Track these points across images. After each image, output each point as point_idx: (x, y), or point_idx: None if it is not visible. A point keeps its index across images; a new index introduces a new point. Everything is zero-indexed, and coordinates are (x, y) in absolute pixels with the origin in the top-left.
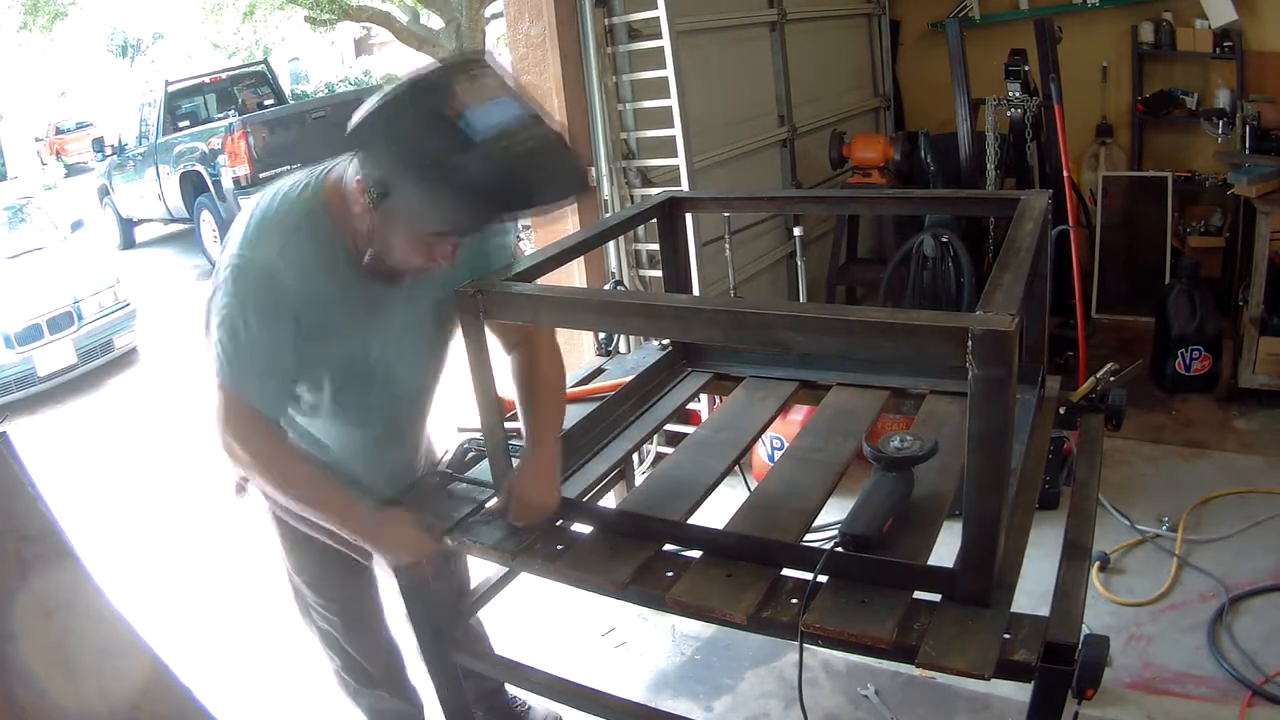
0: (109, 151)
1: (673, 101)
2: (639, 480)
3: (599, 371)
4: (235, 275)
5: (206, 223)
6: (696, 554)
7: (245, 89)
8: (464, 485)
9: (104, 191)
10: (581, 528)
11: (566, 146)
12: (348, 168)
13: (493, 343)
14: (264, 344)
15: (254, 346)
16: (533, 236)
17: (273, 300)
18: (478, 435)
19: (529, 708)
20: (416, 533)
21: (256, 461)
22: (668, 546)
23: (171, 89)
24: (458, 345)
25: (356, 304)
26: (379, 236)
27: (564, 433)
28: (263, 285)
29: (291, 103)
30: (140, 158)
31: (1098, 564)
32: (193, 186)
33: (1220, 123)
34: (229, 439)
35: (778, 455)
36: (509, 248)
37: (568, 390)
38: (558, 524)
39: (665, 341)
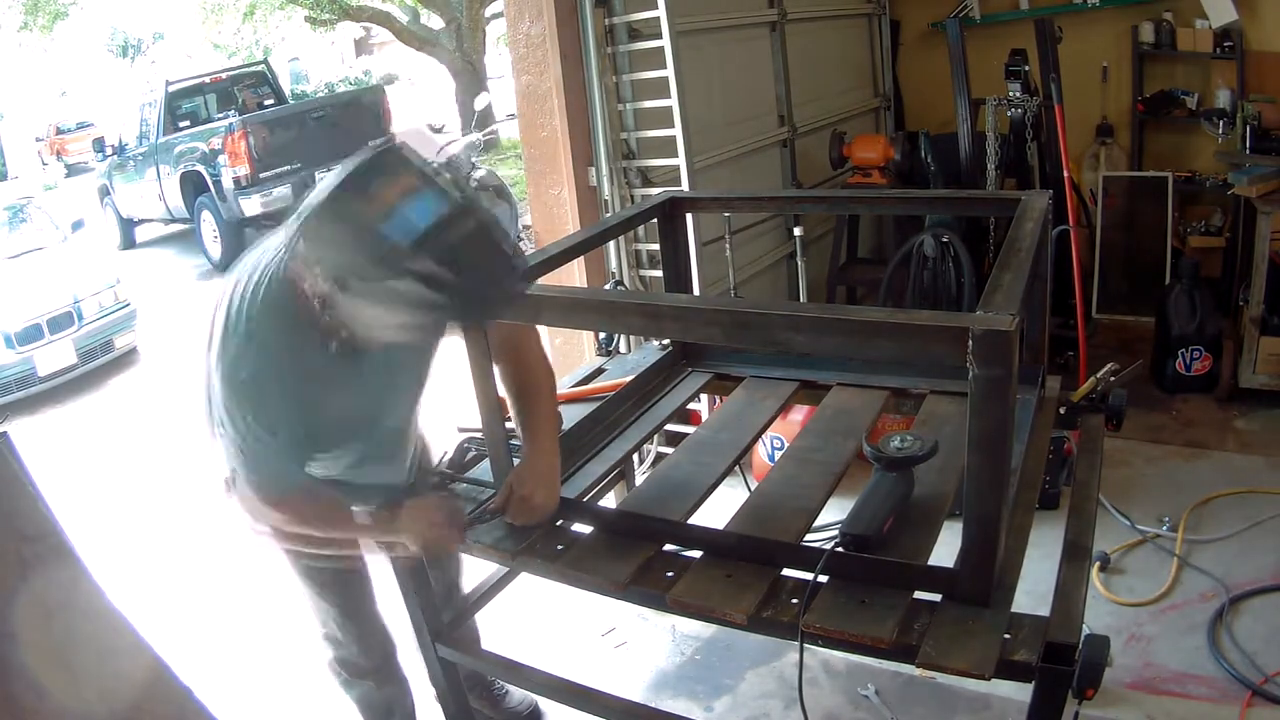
0: (109, 151)
1: (673, 101)
2: (639, 480)
3: (599, 371)
4: (229, 388)
5: (207, 223)
6: (697, 554)
7: (245, 89)
8: (464, 485)
9: (104, 191)
10: (581, 528)
11: (490, 230)
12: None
13: None
14: (274, 434)
15: (266, 440)
16: (533, 237)
17: (268, 395)
18: (478, 434)
19: (506, 691)
20: (439, 510)
21: (289, 525)
22: (668, 546)
23: (172, 89)
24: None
25: (336, 374)
26: (336, 327)
27: (564, 433)
28: (258, 389)
29: (291, 103)
30: (140, 158)
31: (1098, 564)
32: (193, 186)
33: (1220, 123)
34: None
35: (778, 455)
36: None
37: (568, 390)
38: (558, 524)
39: (665, 341)
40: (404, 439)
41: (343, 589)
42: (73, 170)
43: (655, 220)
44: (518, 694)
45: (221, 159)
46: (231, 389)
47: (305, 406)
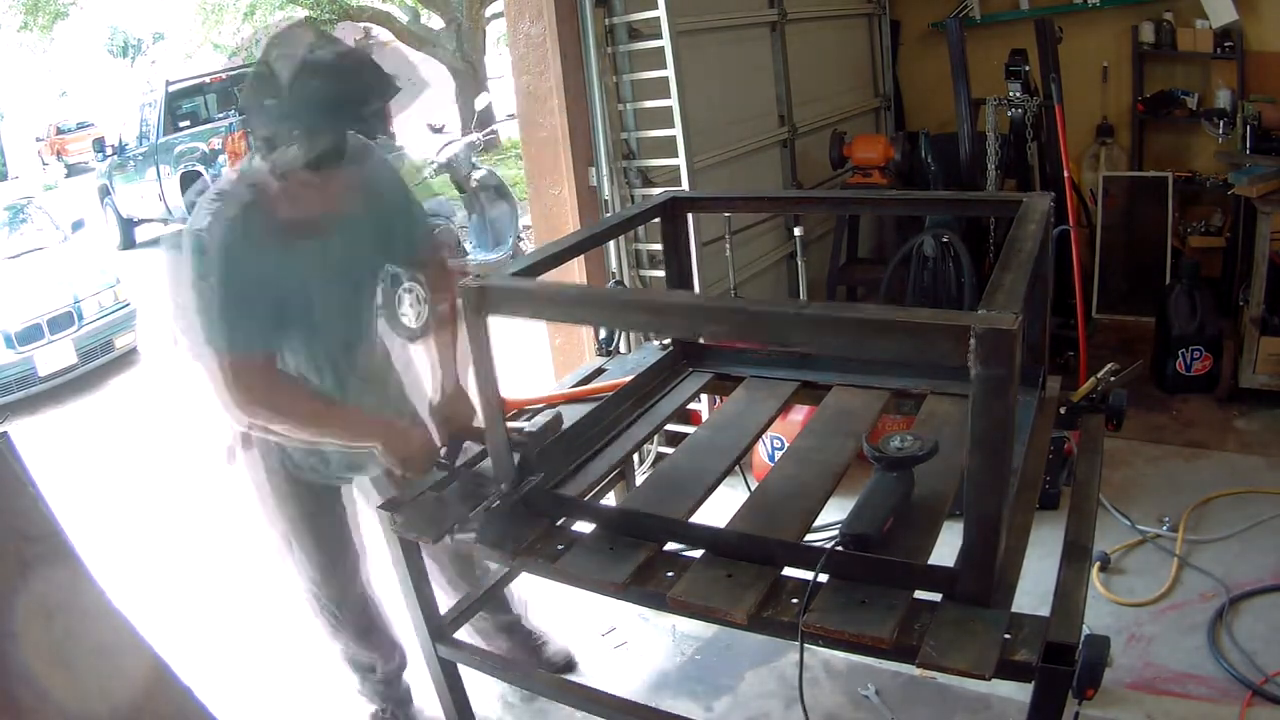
0: (109, 151)
1: (673, 101)
2: (639, 480)
3: (599, 371)
4: (195, 250)
5: None
6: (697, 554)
7: None
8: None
9: (104, 191)
10: (582, 527)
11: (364, 56)
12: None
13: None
14: (242, 296)
15: (234, 301)
16: (533, 237)
17: (234, 256)
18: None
19: (545, 640)
20: (419, 435)
21: (274, 413)
22: (668, 546)
23: (172, 89)
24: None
25: (293, 257)
26: (281, 185)
27: (562, 431)
28: (222, 250)
29: None
30: (141, 158)
31: (1098, 564)
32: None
33: (1221, 123)
34: (241, 398)
35: (778, 455)
36: (418, 228)
37: (568, 390)
38: (558, 524)
39: (666, 341)
40: (376, 363)
41: (320, 539)
42: (73, 170)
43: (656, 220)
44: (555, 644)
45: (222, 159)
46: (202, 256)
47: (267, 282)
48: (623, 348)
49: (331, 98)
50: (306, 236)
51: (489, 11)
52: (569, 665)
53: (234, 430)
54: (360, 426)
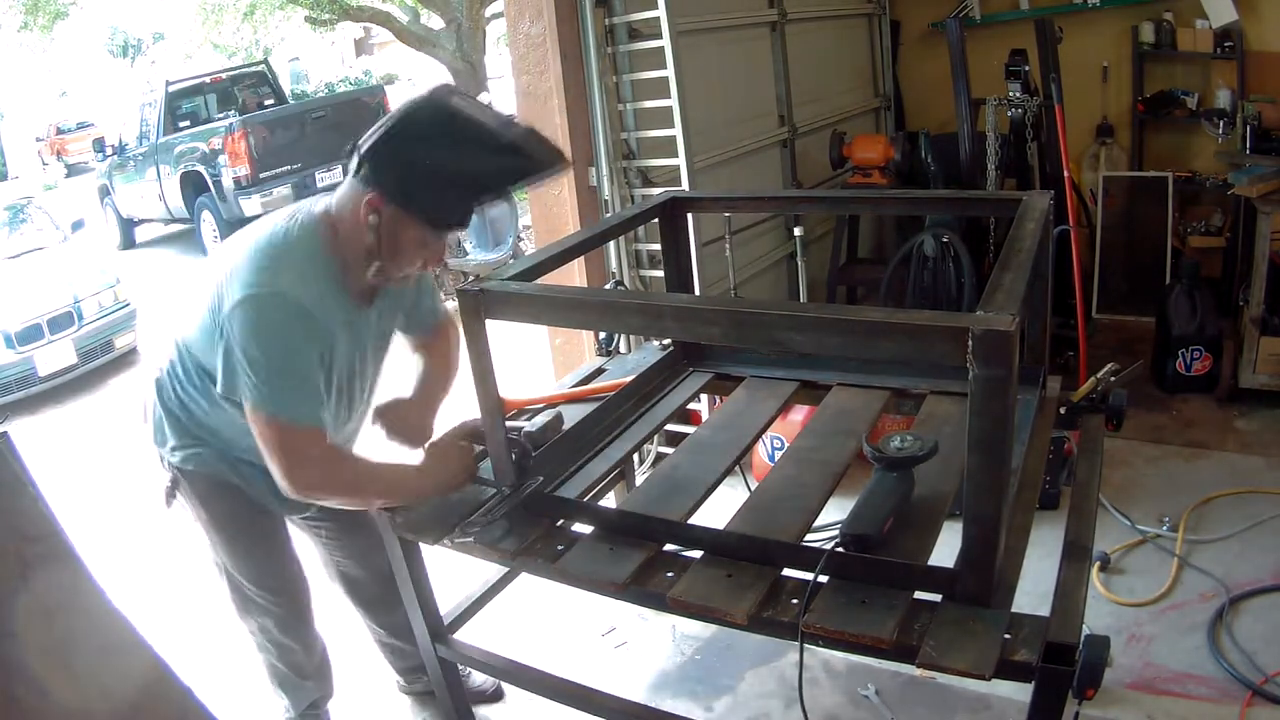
0: (109, 151)
1: (673, 101)
2: (639, 480)
3: (599, 371)
4: (261, 306)
5: (207, 223)
6: (697, 554)
7: (245, 89)
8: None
9: (104, 191)
10: (581, 528)
11: (540, 135)
12: (341, 195)
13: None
14: (304, 368)
15: (297, 372)
16: (533, 237)
17: (303, 326)
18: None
19: (469, 672)
20: (458, 457)
21: (337, 489)
22: (668, 546)
23: (172, 89)
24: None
25: (349, 328)
26: (388, 244)
27: (564, 432)
28: (291, 313)
29: (291, 103)
30: (141, 158)
31: (1098, 564)
32: (193, 186)
33: (1221, 123)
34: (302, 473)
35: (778, 455)
36: (432, 295)
37: (568, 390)
38: (558, 523)
39: (666, 342)
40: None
41: (283, 580)
42: (73, 170)
43: (655, 220)
44: (478, 677)
45: (221, 159)
46: (268, 314)
47: (326, 352)
48: (623, 348)
49: (510, 173)
50: (360, 308)
51: (489, 11)
52: (497, 694)
53: (168, 472)
54: (409, 481)
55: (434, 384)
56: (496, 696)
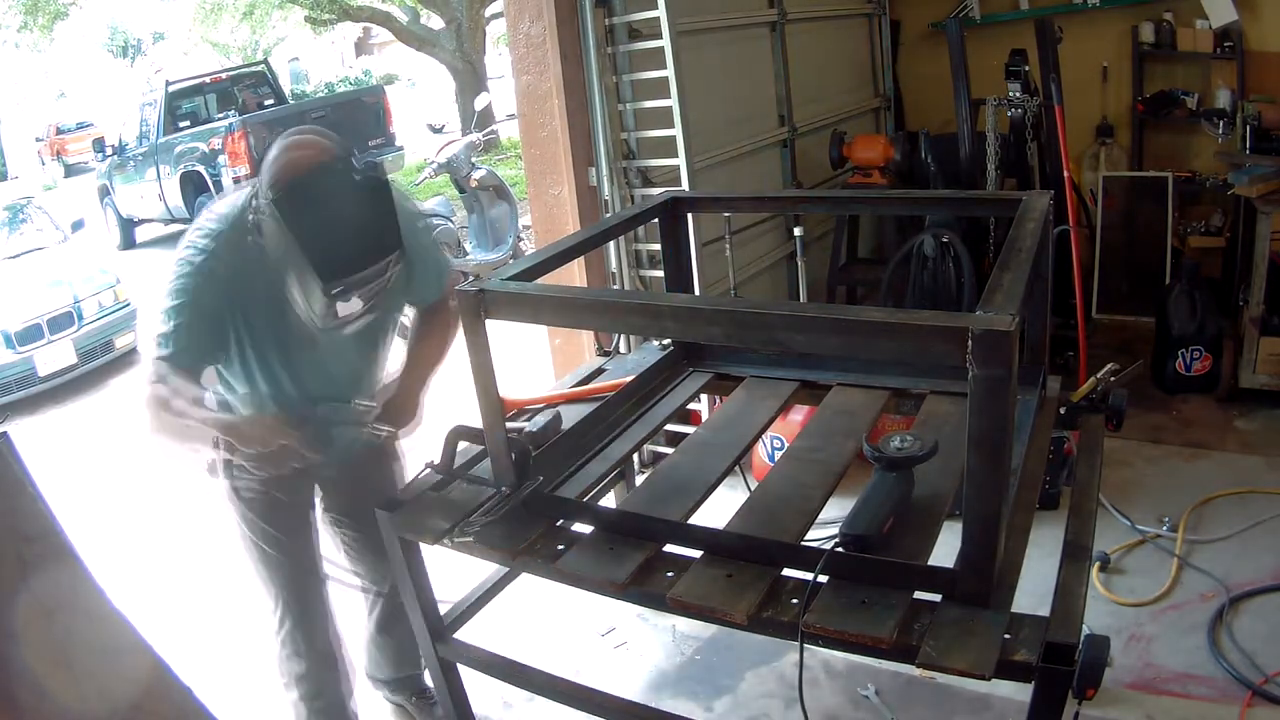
0: (109, 152)
1: (673, 101)
2: (639, 480)
3: (599, 371)
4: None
5: None
6: (697, 554)
7: (245, 89)
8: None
9: (104, 191)
10: (581, 528)
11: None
12: None
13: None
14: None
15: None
16: (533, 237)
17: (208, 281)
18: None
19: (436, 701)
20: (273, 424)
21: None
22: (668, 546)
23: (172, 89)
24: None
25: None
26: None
27: (562, 432)
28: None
29: (291, 103)
30: (141, 158)
31: (1098, 564)
32: (193, 186)
33: (1221, 123)
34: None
35: (778, 455)
36: (436, 270)
37: (568, 390)
38: (558, 524)
39: (666, 342)
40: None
41: (291, 589)
42: (73, 170)
43: (655, 220)
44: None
45: (221, 159)
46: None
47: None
48: (623, 348)
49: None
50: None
51: (489, 11)
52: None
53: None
54: (224, 422)
55: (420, 357)
56: None
